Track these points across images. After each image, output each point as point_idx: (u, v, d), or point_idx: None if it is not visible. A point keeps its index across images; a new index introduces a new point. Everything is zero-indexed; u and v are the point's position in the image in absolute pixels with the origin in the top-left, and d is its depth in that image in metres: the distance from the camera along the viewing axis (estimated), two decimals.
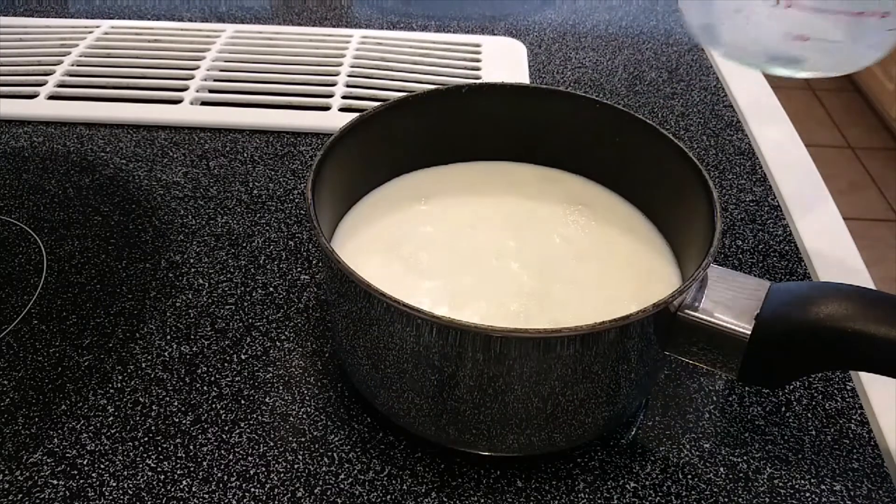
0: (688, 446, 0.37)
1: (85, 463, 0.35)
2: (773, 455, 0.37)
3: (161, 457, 0.35)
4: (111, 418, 0.37)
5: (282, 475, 0.35)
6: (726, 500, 0.35)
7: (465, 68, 0.66)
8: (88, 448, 0.36)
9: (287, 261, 0.46)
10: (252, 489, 0.34)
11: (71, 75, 0.63)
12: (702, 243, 0.34)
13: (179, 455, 0.35)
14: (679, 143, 0.37)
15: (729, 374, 0.33)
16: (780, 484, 0.35)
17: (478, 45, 0.70)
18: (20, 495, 0.34)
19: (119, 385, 0.38)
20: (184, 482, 0.34)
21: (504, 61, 0.68)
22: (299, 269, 0.46)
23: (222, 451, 0.36)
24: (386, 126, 0.40)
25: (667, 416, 0.38)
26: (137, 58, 0.65)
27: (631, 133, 0.40)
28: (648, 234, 0.40)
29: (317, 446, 0.36)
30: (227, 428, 0.37)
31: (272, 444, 0.36)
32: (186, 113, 0.59)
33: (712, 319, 0.31)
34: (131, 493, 0.34)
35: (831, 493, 0.35)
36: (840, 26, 0.40)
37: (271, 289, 0.44)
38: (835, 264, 0.48)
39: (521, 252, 0.39)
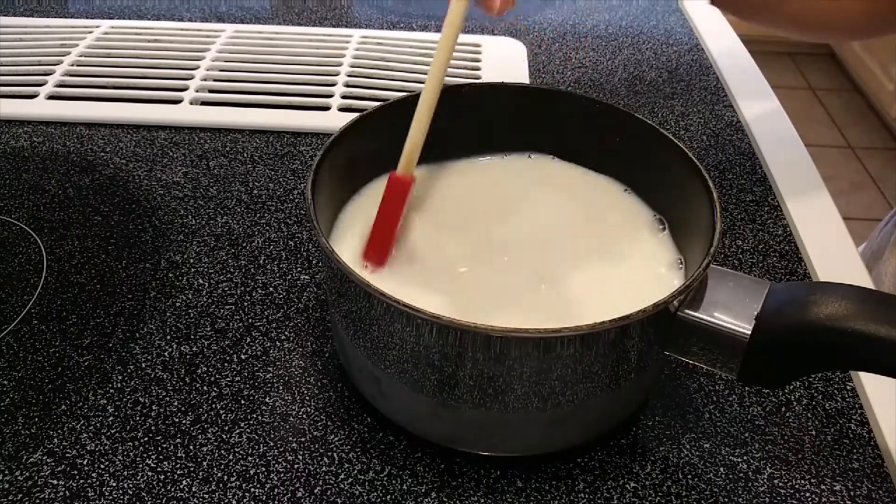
0: (688, 446, 0.37)
1: (85, 463, 0.35)
2: (773, 455, 0.37)
3: (161, 457, 0.35)
4: (111, 418, 0.37)
5: (282, 475, 0.35)
6: (726, 500, 0.35)
7: (465, 68, 0.66)
8: (88, 448, 0.36)
9: (287, 261, 0.46)
10: (252, 489, 0.34)
11: (71, 75, 0.63)
12: (702, 243, 0.34)
13: (179, 455, 0.35)
14: (679, 144, 0.37)
15: (729, 374, 0.33)
16: (780, 484, 0.35)
17: (478, 45, 0.70)
18: (20, 495, 0.34)
19: (119, 385, 0.38)
20: (184, 482, 0.34)
21: (504, 61, 0.68)
22: (299, 269, 0.46)
23: (222, 451, 0.36)
24: (386, 126, 0.40)
25: (667, 416, 0.38)
26: (137, 58, 0.65)
27: (631, 133, 0.40)
28: (651, 232, 0.40)
29: (317, 446, 0.36)
30: (227, 428, 0.37)
31: (272, 444, 0.36)
32: (186, 113, 0.59)
33: (712, 319, 0.31)
34: (131, 493, 0.34)
35: (831, 493, 0.35)
36: None
37: (271, 289, 0.44)
38: (835, 264, 0.48)
39: (521, 247, 0.39)
